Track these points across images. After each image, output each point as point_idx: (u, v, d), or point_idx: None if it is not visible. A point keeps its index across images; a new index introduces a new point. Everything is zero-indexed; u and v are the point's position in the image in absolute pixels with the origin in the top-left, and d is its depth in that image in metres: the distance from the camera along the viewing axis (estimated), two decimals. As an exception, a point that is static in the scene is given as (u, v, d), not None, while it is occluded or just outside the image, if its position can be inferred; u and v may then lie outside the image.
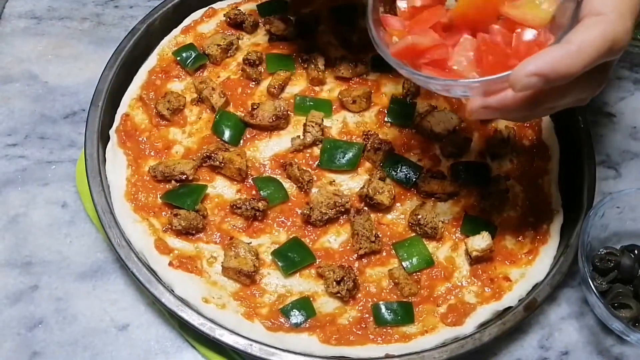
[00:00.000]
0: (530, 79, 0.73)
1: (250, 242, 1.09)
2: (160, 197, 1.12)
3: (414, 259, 1.09)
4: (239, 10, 1.33)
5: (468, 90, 0.84)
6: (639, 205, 1.14)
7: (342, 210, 1.12)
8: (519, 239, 1.14)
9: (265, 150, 1.20)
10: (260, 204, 1.10)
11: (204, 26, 1.33)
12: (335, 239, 1.12)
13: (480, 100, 0.82)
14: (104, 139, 1.18)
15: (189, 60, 1.26)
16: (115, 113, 1.22)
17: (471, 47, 0.86)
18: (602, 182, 1.29)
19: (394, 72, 1.27)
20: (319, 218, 1.10)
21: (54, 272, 1.14)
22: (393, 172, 1.17)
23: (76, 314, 1.10)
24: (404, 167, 1.17)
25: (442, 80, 0.84)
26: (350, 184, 1.17)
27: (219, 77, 1.27)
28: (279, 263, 1.07)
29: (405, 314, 1.04)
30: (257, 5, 1.36)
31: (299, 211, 1.13)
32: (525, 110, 0.82)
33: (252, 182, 1.15)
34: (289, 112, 1.22)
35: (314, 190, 1.15)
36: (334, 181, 1.17)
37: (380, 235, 1.11)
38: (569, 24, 0.78)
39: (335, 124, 1.23)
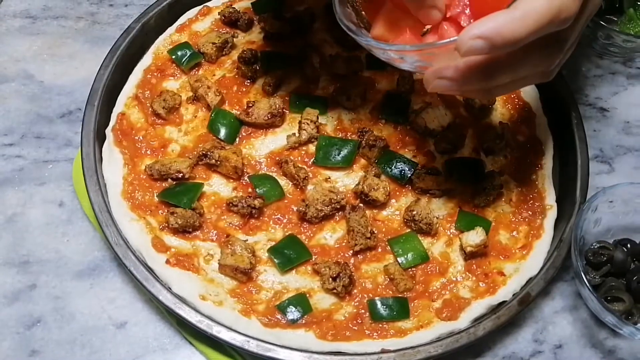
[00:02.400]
0: (474, 42, 0.73)
1: (247, 240, 1.10)
2: (156, 196, 1.13)
3: (409, 255, 1.10)
4: (234, 8, 1.33)
5: (421, 58, 0.83)
6: (631, 200, 1.15)
7: (338, 207, 1.13)
8: (513, 234, 1.15)
9: (261, 147, 1.21)
10: (256, 202, 1.10)
11: (198, 24, 1.34)
12: (331, 235, 1.13)
13: (434, 69, 0.83)
14: (100, 138, 1.19)
15: (184, 59, 1.27)
16: (111, 112, 1.22)
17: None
18: (596, 177, 1.30)
19: (389, 69, 1.29)
20: (315, 215, 1.11)
21: (52, 271, 1.14)
22: (388, 169, 1.18)
23: (74, 312, 1.11)
24: (398, 164, 1.18)
25: (396, 47, 0.85)
26: (346, 180, 1.18)
27: (214, 75, 1.28)
28: (275, 260, 1.08)
29: (400, 309, 1.05)
30: (251, 3, 1.36)
31: (295, 208, 1.14)
32: (480, 81, 0.82)
33: (248, 179, 1.16)
34: (284, 110, 1.22)
35: (310, 187, 1.16)
36: (329, 178, 1.18)
37: (375, 232, 1.12)
38: None
39: (330, 121, 1.24)
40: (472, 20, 0.85)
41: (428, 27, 0.91)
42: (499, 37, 0.73)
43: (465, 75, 0.81)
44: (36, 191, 1.22)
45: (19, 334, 1.09)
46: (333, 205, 1.12)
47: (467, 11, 0.87)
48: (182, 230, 1.10)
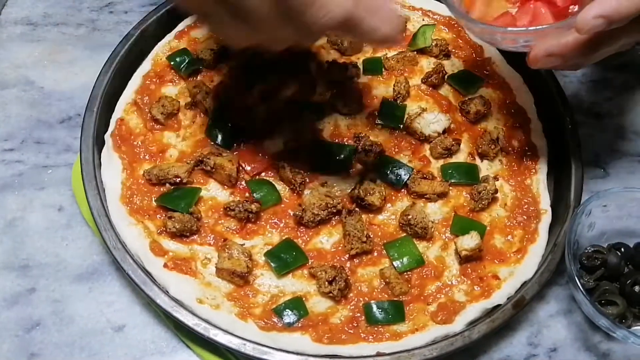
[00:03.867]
0: (595, 21, 0.84)
1: (244, 244, 1.11)
2: (155, 200, 1.14)
3: (405, 259, 1.11)
4: (232, 15, 1.34)
5: (532, 38, 0.95)
6: (625, 204, 1.16)
7: (334, 211, 1.14)
8: (508, 238, 1.16)
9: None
10: (253, 206, 1.12)
11: (197, 31, 1.35)
12: (327, 239, 1.14)
13: (544, 47, 0.93)
14: (100, 144, 1.20)
15: (182, 65, 1.28)
16: (111, 118, 1.24)
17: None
18: (591, 182, 1.31)
19: (385, 74, 1.31)
20: (311, 219, 1.12)
21: (51, 275, 1.16)
22: (384, 174, 1.19)
23: (73, 316, 1.12)
24: (394, 169, 1.19)
25: (512, 30, 0.97)
26: (342, 185, 1.19)
27: (212, 81, 1.29)
28: (271, 264, 1.09)
29: (396, 312, 1.06)
30: (249, 10, 1.38)
31: (292, 213, 1.15)
32: (584, 56, 0.93)
33: (245, 184, 1.17)
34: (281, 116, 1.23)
35: (306, 192, 1.17)
36: (325, 183, 1.19)
37: (371, 236, 1.13)
38: None
39: (327, 127, 1.25)
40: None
41: (513, 9, 1.03)
42: (617, 14, 0.84)
43: (574, 51, 0.92)
44: (36, 196, 1.24)
45: (19, 337, 1.10)
46: (329, 209, 1.13)
47: None
48: (180, 235, 1.11)
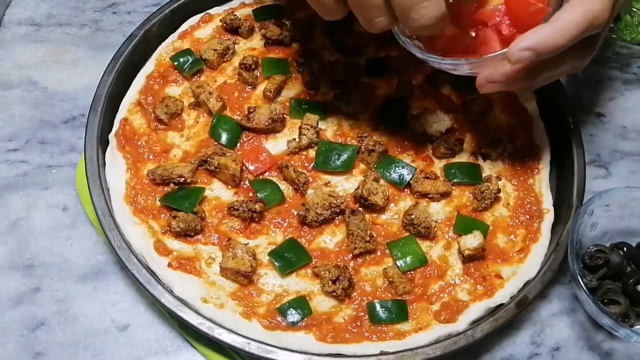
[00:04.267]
0: (523, 53, 0.87)
1: (248, 243, 1.11)
2: (159, 200, 1.15)
3: (408, 258, 1.12)
4: (235, 15, 1.35)
5: (473, 68, 0.98)
6: (627, 204, 1.16)
7: (337, 211, 1.14)
8: (511, 237, 1.17)
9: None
10: (257, 206, 1.12)
11: (200, 31, 1.36)
12: (330, 239, 1.14)
13: (485, 75, 0.97)
14: (104, 144, 1.21)
15: (186, 65, 1.29)
16: (114, 118, 1.24)
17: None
18: (593, 182, 1.31)
19: (387, 75, 1.31)
20: (315, 219, 1.13)
21: (56, 275, 1.16)
22: (387, 173, 1.19)
23: (77, 315, 1.12)
24: (397, 168, 1.20)
25: (451, 61, 0.98)
26: (345, 185, 1.19)
27: (215, 81, 1.29)
28: (275, 263, 1.10)
29: (399, 312, 1.07)
30: (252, 11, 1.38)
31: (295, 212, 1.15)
32: (526, 80, 0.97)
33: (249, 184, 1.18)
34: (284, 116, 1.24)
35: (310, 191, 1.17)
36: (329, 182, 1.19)
37: (374, 235, 1.13)
38: (557, 4, 0.92)
39: (330, 127, 1.25)
40: (511, 29, 0.98)
41: (472, 34, 1.02)
42: (543, 47, 0.86)
43: (513, 78, 0.96)
44: (40, 196, 1.24)
45: (23, 337, 1.10)
46: (333, 209, 1.13)
47: (507, 21, 0.98)
48: (184, 234, 1.11)
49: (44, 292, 1.14)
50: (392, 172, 1.19)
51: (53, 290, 1.15)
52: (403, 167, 1.20)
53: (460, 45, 1.02)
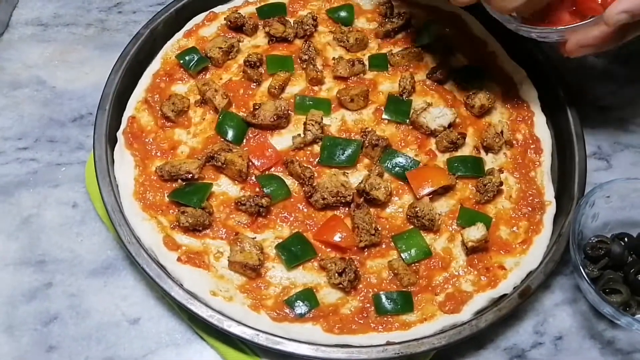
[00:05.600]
0: (620, 16, 0.99)
1: (255, 237, 1.13)
2: (167, 196, 1.17)
3: (413, 251, 1.14)
4: (239, 13, 1.37)
5: (564, 35, 1.09)
6: (628, 195, 1.18)
7: (343, 201, 1.16)
8: (513, 229, 1.19)
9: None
10: (263, 201, 1.14)
11: (205, 30, 1.38)
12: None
13: (576, 40, 1.08)
14: (112, 141, 1.23)
15: (191, 63, 1.30)
16: (122, 116, 1.26)
17: None
18: (594, 174, 1.33)
19: (390, 70, 1.33)
20: (318, 200, 1.15)
21: (67, 270, 1.18)
22: (390, 167, 1.21)
23: (89, 309, 1.15)
24: (401, 162, 1.21)
25: (542, 29, 1.10)
26: (350, 179, 1.21)
27: (221, 79, 1.31)
28: (282, 256, 1.12)
29: (404, 303, 1.09)
30: (256, 9, 1.40)
31: (301, 207, 1.17)
32: (615, 41, 1.07)
33: (255, 179, 1.19)
34: (289, 112, 1.26)
35: (328, 172, 1.20)
36: (346, 173, 1.21)
37: (379, 228, 1.15)
38: None
39: (335, 122, 1.27)
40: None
41: None
42: (638, 9, 0.98)
43: (603, 41, 1.06)
44: (50, 193, 1.26)
45: (37, 331, 1.13)
46: (338, 198, 1.15)
47: None
48: (193, 229, 1.13)
49: (56, 287, 1.17)
50: (395, 166, 1.21)
51: (65, 285, 1.17)
52: (407, 161, 1.21)
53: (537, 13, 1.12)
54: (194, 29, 1.38)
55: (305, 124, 1.23)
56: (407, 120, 1.27)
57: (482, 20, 1.41)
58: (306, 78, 1.31)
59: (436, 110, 1.26)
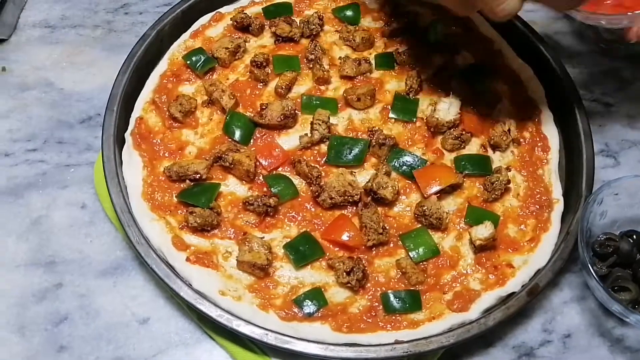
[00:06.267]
0: None
1: (263, 237, 1.14)
2: (175, 196, 1.17)
3: (420, 249, 1.14)
4: (245, 13, 1.37)
5: (635, 20, 1.18)
6: (636, 192, 1.17)
7: (350, 200, 1.16)
8: (521, 227, 1.19)
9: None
10: (271, 200, 1.14)
11: (211, 30, 1.38)
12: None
13: None
14: (120, 142, 1.23)
15: (198, 64, 1.31)
16: (130, 117, 1.27)
17: None
18: (602, 171, 1.33)
19: (397, 69, 1.33)
20: (325, 200, 1.15)
21: (77, 270, 1.19)
22: (398, 166, 1.21)
23: (99, 310, 1.16)
24: (408, 161, 1.22)
25: (613, 16, 1.18)
26: (358, 178, 1.21)
27: (228, 79, 1.32)
28: (290, 256, 1.12)
29: (413, 301, 1.09)
30: (262, 8, 1.41)
31: (308, 206, 1.18)
32: None
33: (262, 179, 1.20)
34: (296, 111, 1.26)
35: (334, 175, 1.19)
36: (353, 172, 1.21)
37: (387, 227, 1.15)
38: None
39: (341, 122, 1.27)
40: None
41: None
42: None
43: None
44: (59, 194, 1.27)
45: (47, 331, 1.13)
46: (346, 197, 1.15)
47: None
48: (201, 229, 1.14)
49: (65, 288, 1.17)
50: (403, 165, 1.21)
51: (74, 285, 1.18)
52: (414, 160, 1.21)
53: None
54: (201, 29, 1.38)
55: (312, 123, 1.23)
56: (414, 119, 1.27)
57: (489, 19, 1.41)
58: (313, 78, 1.32)
59: (444, 104, 1.26)
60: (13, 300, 1.16)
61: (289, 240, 1.14)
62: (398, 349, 1.04)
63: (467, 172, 1.22)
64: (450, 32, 1.39)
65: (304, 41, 1.37)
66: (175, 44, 1.36)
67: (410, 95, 1.30)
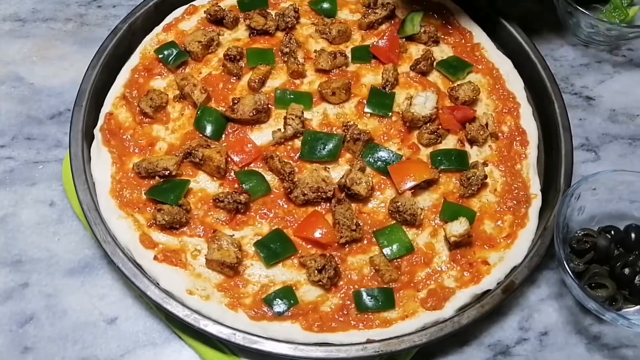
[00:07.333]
0: None
1: (233, 235, 1.11)
2: (144, 193, 1.15)
3: (394, 246, 1.12)
4: (219, 6, 1.34)
5: None
6: (615, 187, 1.15)
7: (324, 196, 1.14)
8: (498, 223, 1.16)
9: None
10: (242, 197, 1.12)
11: (185, 23, 1.35)
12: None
13: None
14: (89, 138, 1.21)
15: (170, 58, 1.28)
16: (100, 112, 1.24)
17: None
18: (582, 165, 1.31)
19: (373, 62, 1.31)
20: (298, 196, 1.13)
21: (44, 270, 1.16)
22: (372, 162, 1.19)
23: (66, 309, 1.13)
24: (383, 156, 1.19)
25: None
26: (332, 174, 1.19)
27: (200, 73, 1.29)
28: (261, 254, 1.10)
29: (386, 299, 1.07)
30: (237, 1, 1.38)
31: (281, 203, 1.15)
32: None
33: (234, 175, 1.17)
34: (269, 106, 1.24)
35: (309, 166, 1.17)
36: (327, 168, 1.18)
37: (361, 224, 1.13)
38: None
39: (316, 116, 1.25)
40: None
41: None
42: None
43: None
44: (27, 192, 1.24)
45: (12, 332, 1.11)
46: (319, 193, 1.13)
47: None
48: (170, 227, 1.11)
49: (32, 287, 1.15)
50: (377, 160, 1.19)
51: (41, 285, 1.15)
52: (389, 155, 1.19)
53: None
54: (174, 22, 1.35)
55: (285, 118, 1.21)
56: (390, 114, 1.25)
57: (468, 11, 1.39)
58: (287, 71, 1.29)
59: (420, 98, 1.23)
60: (-23, 301, 1.13)
61: (260, 237, 1.12)
62: (369, 348, 1.02)
63: (443, 167, 1.20)
64: (428, 23, 1.36)
65: (279, 34, 1.34)
66: (148, 37, 1.33)
67: (387, 89, 1.27)
